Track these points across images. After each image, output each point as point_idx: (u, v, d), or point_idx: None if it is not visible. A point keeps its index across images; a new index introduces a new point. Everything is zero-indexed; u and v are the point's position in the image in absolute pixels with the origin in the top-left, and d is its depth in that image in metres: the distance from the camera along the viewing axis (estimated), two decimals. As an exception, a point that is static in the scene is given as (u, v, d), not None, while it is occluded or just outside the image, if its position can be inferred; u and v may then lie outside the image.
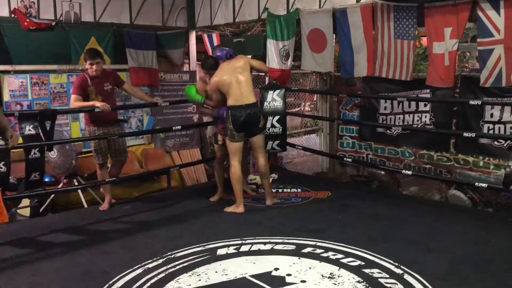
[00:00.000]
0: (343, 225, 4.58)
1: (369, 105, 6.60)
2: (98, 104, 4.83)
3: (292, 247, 4.00)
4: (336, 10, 5.92)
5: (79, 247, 4.13)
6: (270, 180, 6.16)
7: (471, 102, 5.11)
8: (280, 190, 5.79)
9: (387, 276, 3.43)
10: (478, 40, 4.93)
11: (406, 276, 3.41)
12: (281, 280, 3.39)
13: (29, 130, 4.54)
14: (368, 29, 5.71)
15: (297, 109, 8.49)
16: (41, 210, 5.68)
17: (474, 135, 5.16)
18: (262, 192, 5.52)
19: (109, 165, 5.46)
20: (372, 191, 6.18)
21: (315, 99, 7.84)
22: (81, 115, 6.68)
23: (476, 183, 5.03)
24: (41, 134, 4.62)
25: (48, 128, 4.71)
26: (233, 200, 5.16)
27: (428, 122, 6.03)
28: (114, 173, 5.40)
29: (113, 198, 5.36)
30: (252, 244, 4.08)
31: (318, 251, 3.91)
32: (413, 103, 6.10)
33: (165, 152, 7.62)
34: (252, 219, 4.80)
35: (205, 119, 7.11)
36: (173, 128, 6.13)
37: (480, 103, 5.14)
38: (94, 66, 4.87)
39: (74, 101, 4.88)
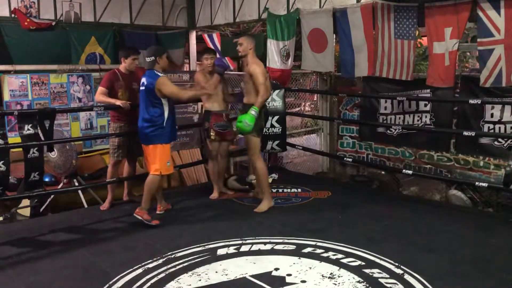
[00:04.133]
0: (343, 225, 4.58)
1: (369, 105, 6.60)
2: (118, 102, 5.00)
3: (292, 247, 4.00)
4: (337, 10, 5.93)
5: (79, 247, 4.13)
6: (270, 180, 6.19)
7: (471, 101, 5.13)
8: (280, 190, 5.79)
9: (387, 276, 3.43)
10: (478, 40, 4.93)
11: (406, 276, 3.41)
12: (281, 280, 3.39)
13: (28, 129, 4.53)
14: (368, 29, 5.71)
15: (297, 109, 8.49)
16: (41, 210, 5.68)
17: (474, 134, 5.16)
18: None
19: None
20: (372, 191, 6.18)
21: (315, 99, 7.84)
22: (82, 114, 6.70)
23: (476, 183, 5.04)
24: (40, 133, 4.62)
25: (47, 127, 4.71)
26: (232, 201, 5.15)
27: (428, 122, 6.02)
28: (132, 172, 5.50)
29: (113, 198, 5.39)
30: (252, 244, 4.08)
31: (318, 251, 3.90)
32: (413, 103, 6.10)
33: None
34: (252, 219, 4.79)
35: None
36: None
37: (479, 102, 5.15)
38: (136, 62, 5.21)
39: (99, 94, 5.11)
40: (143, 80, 4.61)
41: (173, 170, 5.04)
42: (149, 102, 4.57)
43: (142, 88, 4.63)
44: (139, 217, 4.60)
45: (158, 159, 4.66)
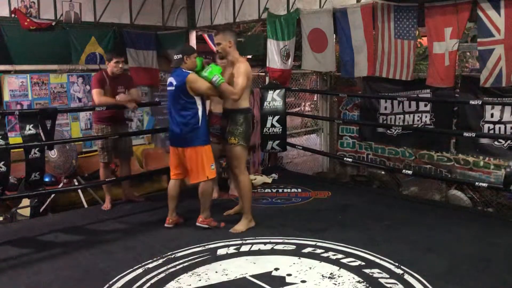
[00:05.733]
0: (343, 225, 4.58)
1: (369, 105, 6.60)
2: (123, 101, 4.98)
3: (292, 247, 4.00)
4: (337, 10, 5.93)
5: (79, 247, 4.13)
6: (270, 180, 6.19)
7: (472, 102, 5.13)
8: (280, 190, 5.79)
9: (387, 276, 3.43)
10: (478, 40, 4.93)
11: (406, 276, 3.42)
12: (281, 280, 3.39)
13: (29, 129, 4.53)
14: (368, 29, 5.71)
15: (297, 109, 8.48)
16: (41, 210, 5.67)
17: (474, 135, 5.16)
18: (261, 192, 5.54)
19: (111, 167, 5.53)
20: (372, 191, 6.18)
21: (315, 99, 7.84)
22: (82, 114, 6.70)
23: (477, 183, 5.04)
24: (41, 133, 4.61)
25: (48, 127, 4.70)
26: (233, 201, 5.15)
27: (428, 122, 6.03)
28: (126, 172, 5.47)
29: (113, 198, 5.39)
30: (252, 244, 4.08)
31: (318, 251, 3.91)
32: (413, 103, 6.10)
33: (165, 152, 7.60)
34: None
35: None
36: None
37: (480, 103, 5.16)
38: (120, 64, 5.02)
39: (98, 95, 4.97)
40: (171, 80, 4.37)
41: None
42: (181, 103, 4.32)
43: (170, 88, 4.38)
44: (206, 226, 4.49)
45: (203, 163, 4.38)
